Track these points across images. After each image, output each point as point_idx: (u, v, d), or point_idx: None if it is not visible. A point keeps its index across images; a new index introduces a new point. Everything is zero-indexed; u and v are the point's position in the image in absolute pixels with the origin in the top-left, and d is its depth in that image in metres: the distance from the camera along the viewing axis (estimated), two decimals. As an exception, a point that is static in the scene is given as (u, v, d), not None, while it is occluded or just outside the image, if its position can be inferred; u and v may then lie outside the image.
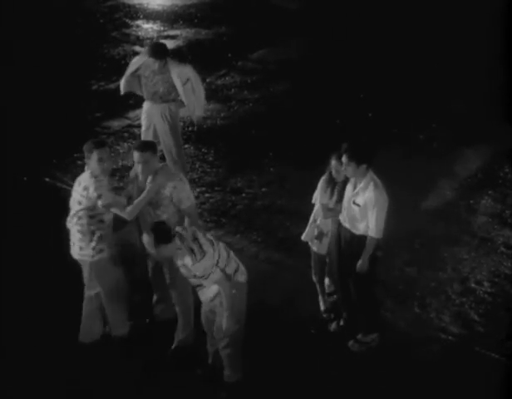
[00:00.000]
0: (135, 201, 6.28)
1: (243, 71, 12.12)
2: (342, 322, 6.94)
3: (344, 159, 6.16)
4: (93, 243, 6.24)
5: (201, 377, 6.36)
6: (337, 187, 6.48)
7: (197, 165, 9.48)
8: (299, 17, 14.04)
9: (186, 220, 6.40)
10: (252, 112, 10.89)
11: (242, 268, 6.05)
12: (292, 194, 8.81)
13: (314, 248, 6.88)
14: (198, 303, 6.31)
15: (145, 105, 8.51)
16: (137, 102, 9.56)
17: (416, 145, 9.94)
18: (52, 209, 7.48)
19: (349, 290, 6.63)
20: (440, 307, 7.26)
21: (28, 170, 9.14)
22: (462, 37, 12.45)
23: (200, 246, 5.72)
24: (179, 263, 5.86)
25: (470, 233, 8.30)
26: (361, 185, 6.23)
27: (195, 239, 5.75)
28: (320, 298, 7.10)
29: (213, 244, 5.84)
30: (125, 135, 10.16)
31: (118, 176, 8.93)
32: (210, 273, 5.78)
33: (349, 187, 6.35)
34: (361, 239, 6.31)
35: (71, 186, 6.47)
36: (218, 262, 5.81)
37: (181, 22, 14.01)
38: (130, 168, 9.25)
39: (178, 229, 5.85)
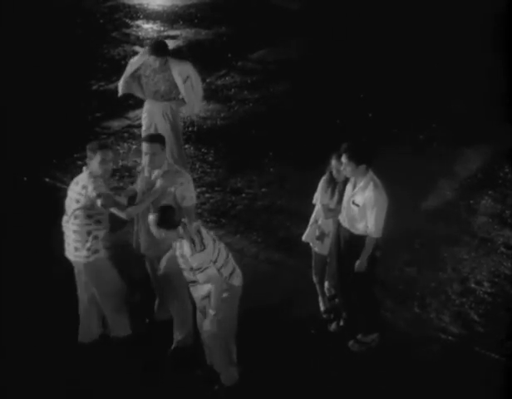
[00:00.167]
0: (137, 203, 6.31)
1: (243, 71, 12.12)
2: (342, 323, 6.93)
3: (343, 158, 6.16)
4: (88, 244, 6.21)
5: (201, 378, 6.36)
6: (338, 187, 6.47)
7: (197, 165, 9.47)
8: (299, 17, 14.05)
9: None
10: (252, 112, 10.89)
11: (238, 271, 6.05)
12: (293, 195, 8.81)
13: (316, 248, 6.87)
14: (197, 304, 6.31)
15: (146, 104, 8.49)
16: (137, 102, 9.55)
17: (416, 145, 9.94)
18: (52, 209, 7.46)
19: (349, 290, 6.63)
20: (440, 307, 7.25)
21: (28, 170, 9.14)
22: (462, 37, 12.46)
23: (202, 239, 5.75)
24: (178, 252, 5.88)
25: (470, 233, 8.30)
26: (360, 185, 6.23)
27: (198, 232, 5.78)
28: (320, 298, 7.09)
29: (214, 242, 5.87)
30: (125, 135, 10.15)
31: (118, 176, 8.94)
32: (206, 267, 5.79)
33: (349, 187, 6.34)
34: (361, 239, 6.31)
35: (70, 186, 6.48)
36: (216, 260, 5.82)
37: (181, 23, 14.01)
38: (130, 168, 9.34)
39: (184, 219, 5.87)
